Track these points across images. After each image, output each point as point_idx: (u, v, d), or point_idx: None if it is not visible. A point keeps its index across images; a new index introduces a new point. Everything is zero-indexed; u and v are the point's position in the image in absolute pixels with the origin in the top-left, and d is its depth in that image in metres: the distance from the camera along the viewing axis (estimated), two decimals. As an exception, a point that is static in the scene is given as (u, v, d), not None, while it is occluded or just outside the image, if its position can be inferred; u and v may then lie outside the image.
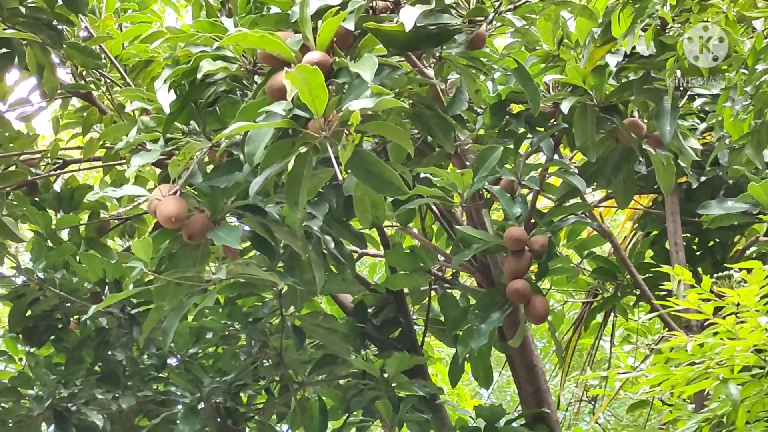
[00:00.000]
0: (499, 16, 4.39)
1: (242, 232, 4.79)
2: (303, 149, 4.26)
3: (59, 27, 6.46)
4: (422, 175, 5.30)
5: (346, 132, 3.95)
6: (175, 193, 4.71)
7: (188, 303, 5.10)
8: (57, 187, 7.62)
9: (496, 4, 4.37)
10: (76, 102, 8.04)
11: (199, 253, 4.98)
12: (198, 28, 4.81)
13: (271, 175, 4.24)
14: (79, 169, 7.54)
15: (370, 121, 4.24)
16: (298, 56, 4.25)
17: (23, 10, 5.93)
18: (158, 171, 6.10)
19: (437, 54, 4.93)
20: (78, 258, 6.85)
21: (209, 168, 5.00)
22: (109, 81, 7.42)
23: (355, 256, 6.62)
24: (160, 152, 4.87)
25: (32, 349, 7.11)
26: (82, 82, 7.34)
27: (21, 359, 7.45)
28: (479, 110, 5.48)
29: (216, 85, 4.96)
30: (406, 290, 7.18)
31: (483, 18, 4.36)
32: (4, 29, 5.16)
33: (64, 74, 7.30)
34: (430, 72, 4.96)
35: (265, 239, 4.98)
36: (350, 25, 4.28)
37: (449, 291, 6.97)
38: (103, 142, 7.05)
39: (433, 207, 6.64)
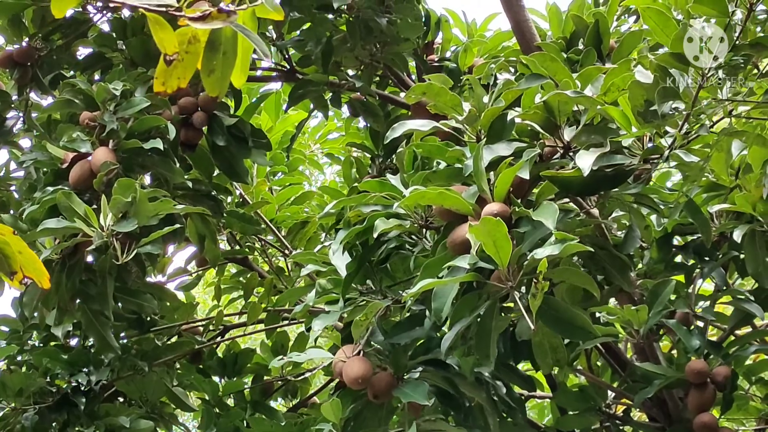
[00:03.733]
0: (674, 154, 4.38)
1: (428, 387, 4.78)
2: (489, 302, 4.25)
3: (218, 197, 6.60)
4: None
5: (535, 281, 3.94)
6: (359, 353, 4.73)
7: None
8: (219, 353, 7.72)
9: (670, 140, 4.35)
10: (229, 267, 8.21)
11: (384, 412, 4.97)
12: (367, 187, 4.87)
13: (461, 329, 4.24)
14: (244, 334, 7.65)
15: (553, 267, 4.23)
16: (476, 209, 4.28)
17: (186, 180, 6.07)
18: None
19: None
20: (246, 422, 6.90)
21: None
22: (265, 245, 7.57)
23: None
24: (339, 314, 4.90)
25: None
26: (238, 247, 7.49)
27: None
28: (643, 245, 5.46)
29: (387, 243, 5.00)
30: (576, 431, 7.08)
31: (658, 156, 4.36)
32: (174, 205, 5.26)
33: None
34: (595, 211, 4.96)
35: (450, 393, 4.96)
36: (525, 175, 4.30)
37: (622, 429, 6.84)
38: (266, 306, 7.17)
39: (597, 344, 6.57)
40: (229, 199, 7.51)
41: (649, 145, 4.41)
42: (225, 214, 6.64)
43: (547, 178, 4.34)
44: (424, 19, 6.79)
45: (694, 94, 4.22)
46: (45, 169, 5.77)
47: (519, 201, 4.34)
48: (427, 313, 4.58)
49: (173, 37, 2.56)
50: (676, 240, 5.57)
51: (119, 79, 5.80)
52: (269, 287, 7.23)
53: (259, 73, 7.26)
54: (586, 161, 4.22)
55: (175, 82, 2.64)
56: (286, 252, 7.67)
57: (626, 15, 7.44)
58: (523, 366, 5.95)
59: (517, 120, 4.58)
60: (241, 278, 7.94)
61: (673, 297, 5.41)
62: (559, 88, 4.41)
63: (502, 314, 4.43)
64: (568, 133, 4.54)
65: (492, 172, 4.39)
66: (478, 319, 4.29)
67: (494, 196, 4.31)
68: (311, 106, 7.18)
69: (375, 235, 4.65)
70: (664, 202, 5.30)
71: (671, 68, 4.21)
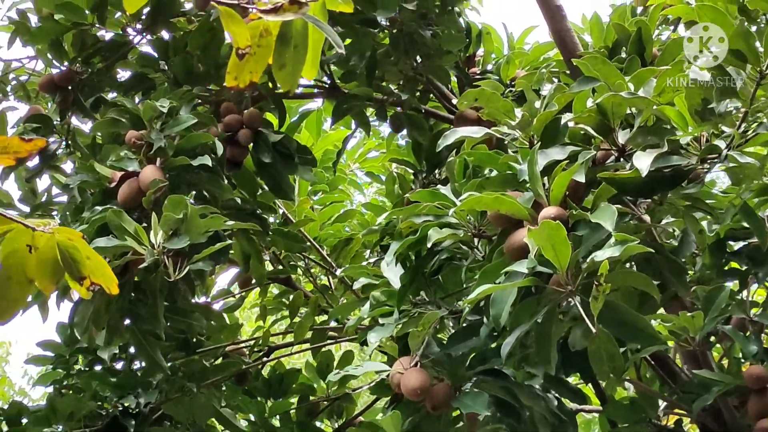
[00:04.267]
0: (730, 155, 4.32)
1: (487, 397, 4.74)
2: (548, 306, 4.20)
3: (262, 215, 6.58)
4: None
5: (596, 283, 3.89)
6: (416, 364, 4.70)
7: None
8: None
9: (728, 140, 4.30)
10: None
11: (442, 423, 4.93)
12: (418, 198, 4.84)
13: (520, 335, 4.19)
14: (290, 353, 7.61)
15: (616, 269, 4.18)
16: (532, 214, 4.24)
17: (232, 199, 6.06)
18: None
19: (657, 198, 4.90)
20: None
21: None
22: (308, 264, 7.54)
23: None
24: (394, 326, 4.87)
25: None
26: (281, 267, 7.47)
27: None
28: (695, 251, 5.41)
29: (439, 254, 4.97)
30: (626, 444, 7.00)
31: (716, 156, 4.31)
32: (225, 221, 5.24)
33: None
34: (647, 217, 4.91)
35: (508, 402, 4.91)
36: (581, 178, 4.27)
37: (675, 440, 6.76)
38: (312, 325, 7.13)
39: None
40: (272, 219, 7.49)
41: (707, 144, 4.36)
42: (270, 233, 6.61)
43: (604, 180, 4.29)
44: (465, 32, 6.77)
45: (751, 93, 4.18)
46: (92, 190, 5.76)
47: (575, 205, 4.30)
48: (484, 321, 4.54)
49: (245, 31, 2.55)
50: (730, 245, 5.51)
51: (164, 97, 5.80)
52: (314, 306, 7.19)
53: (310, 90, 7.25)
54: (644, 162, 4.18)
55: (248, 76, 2.63)
56: (330, 270, 7.64)
57: (666, 23, 7.41)
58: (573, 380, 5.89)
59: (570, 124, 4.55)
60: (284, 299, 7.91)
61: (735, 305, 5.36)
62: (612, 90, 4.38)
63: (560, 319, 4.39)
64: (622, 136, 4.50)
65: (546, 177, 4.36)
66: (538, 325, 4.23)
67: (550, 200, 4.27)
68: (353, 123, 7.16)
69: (428, 245, 4.63)
70: (716, 208, 5.26)
71: (728, 66, 4.16)
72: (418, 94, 7.10)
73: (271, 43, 2.61)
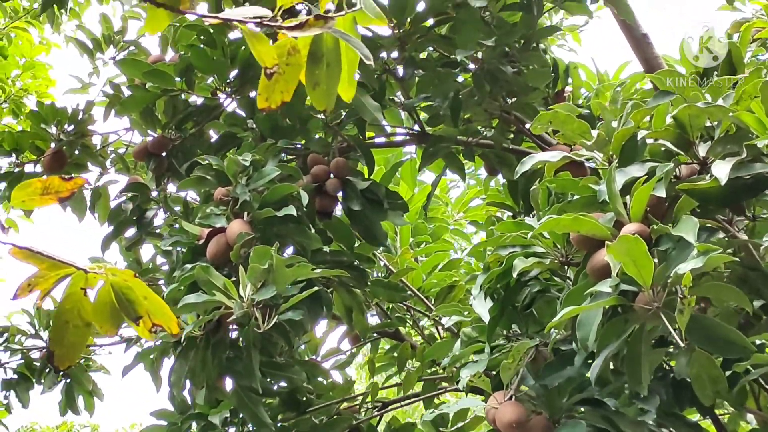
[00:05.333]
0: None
1: (585, 427, 4.61)
2: (636, 325, 4.09)
3: (361, 266, 6.56)
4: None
5: (681, 296, 3.77)
6: (510, 398, 4.60)
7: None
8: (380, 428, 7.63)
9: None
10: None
11: (543, 457, 4.80)
12: (503, 229, 4.77)
13: (609, 356, 4.08)
14: (401, 406, 7.54)
15: (702, 283, 4.06)
16: (614, 233, 4.14)
17: (327, 252, 6.04)
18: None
19: (751, 215, 4.76)
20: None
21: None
22: (414, 315, 7.49)
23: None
24: (486, 361, 4.79)
25: None
26: (388, 321, 7.44)
27: None
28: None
29: (530, 286, 4.88)
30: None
31: (800, 160, 4.17)
32: (313, 269, 5.23)
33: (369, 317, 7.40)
34: (743, 235, 4.76)
35: (609, 432, 4.77)
36: (661, 192, 4.16)
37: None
38: (421, 375, 7.07)
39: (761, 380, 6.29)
40: (375, 273, 7.47)
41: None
42: (369, 284, 6.57)
43: (684, 192, 4.18)
44: (552, 68, 6.71)
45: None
46: (183, 249, 5.82)
47: (658, 222, 4.20)
48: (575, 347, 4.43)
49: (271, 50, 2.53)
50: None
51: (249, 152, 5.85)
52: (421, 357, 7.13)
53: (397, 138, 7.25)
54: (722, 170, 4.06)
55: (279, 96, 2.61)
56: (436, 319, 7.58)
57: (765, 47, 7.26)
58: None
59: (649, 141, 4.45)
60: (394, 353, 7.87)
61: None
62: (688, 102, 4.28)
63: (652, 344, 4.26)
64: (703, 149, 4.38)
65: (628, 197, 4.26)
66: (626, 345, 4.12)
67: (631, 217, 4.17)
68: (446, 168, 7.11)
69: (515, 275, 4.55)
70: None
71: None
72: (511, 136, 7.05)
73: (300, 61, 2.59)
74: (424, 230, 8.02)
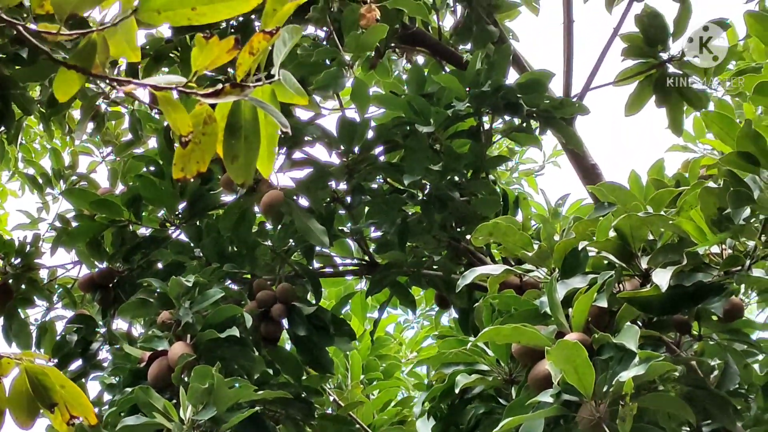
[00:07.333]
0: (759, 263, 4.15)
1: None
2: (579, 437, 3.99)
3: (309, 399, 6.42)
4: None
5: (622, 403, 3.69)
6: None
7: None
8: None
9: (750, 251, 4.13)
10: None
11: None
12: (446, 347, 4.69)
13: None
14: None
15: (645, 394, 3.99)
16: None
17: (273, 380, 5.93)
18: None
19: (697, 334, 4.71)
20: None
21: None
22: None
23: None
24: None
25: None
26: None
27: None
28: (742, 391, 5.16)
29: (475, 407, 4.78)
30: None
31: (740, 267, 4.13)
32: (255, 391, 5.11)
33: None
34: (684, 354, 4.71)
35: None
36: (603, 303, 4.12)
37: None
38: None
39: None
40: (328, 410, 7.33)
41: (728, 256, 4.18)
42: (317, 417, 6.42)
43: (625, 300, 4.13)
44: (501, 198, 6.69)
45: (770, 198, 4.02)
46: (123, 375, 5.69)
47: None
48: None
49: (186, 117, 2.48)
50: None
51: (193, 274, 5.78)
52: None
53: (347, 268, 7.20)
54: (663, 277, 4.02)
55: (195, 167, 2.56)
56: (388, 457, 7.42)
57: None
58: None
59: (592, 253, 4.41)
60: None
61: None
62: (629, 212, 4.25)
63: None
64: (645, 261, 4.35)
65: (570, 308, 4.20)
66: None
67: (572, 327, 4.11)
68: (392, 296, 7.00)
69: (457, 391, 4.45)
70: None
71: (740, 171, 4.02)
72: (462, 268, 6.99)
73: (216, 131, 2.55)
74: (376, 367, 7.91)
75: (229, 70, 5.43)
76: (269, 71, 2.67)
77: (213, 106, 2.55)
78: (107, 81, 2.46)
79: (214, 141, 2.57)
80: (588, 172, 6.73)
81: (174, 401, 5.18)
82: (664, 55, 6.92)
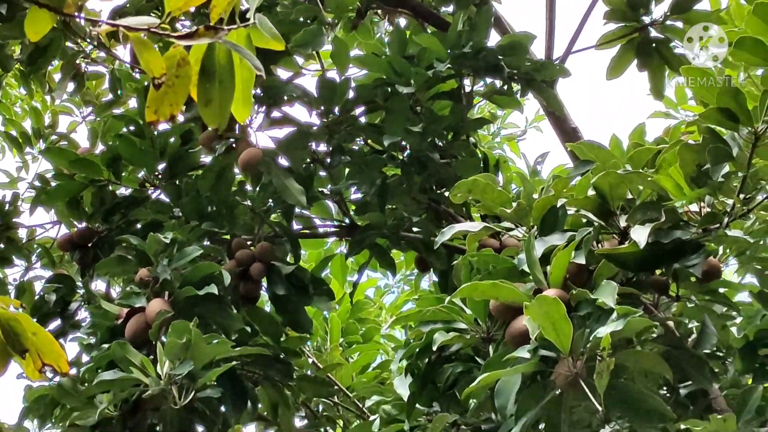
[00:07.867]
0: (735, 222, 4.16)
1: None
2: (555, 392, 3.98)
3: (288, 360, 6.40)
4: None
5: (599, 358, 3.68)
6: (429, 476, 4.47)
7: None
8: None
9: (729, 209, 4.13)
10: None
11: None
12: (424, 305, 4.67)
13: (528, 423, 3.95)
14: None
15: (620, 349, 3.98)
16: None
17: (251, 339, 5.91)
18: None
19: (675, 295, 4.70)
20: None
21: None
22: (344, 414, 7.34)
23: None
24: (408, 438, 4.66)
25: None
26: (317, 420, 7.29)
27: None
28: (720, 354, 5.18)
29: (452, 366, 4.77)
30: None
31: (718, 225, 4.13)
32: (232, 346, 5.09)
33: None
34: (662, 315, 4.70)
35: None
36: (581, 259, 4.11)
37: None
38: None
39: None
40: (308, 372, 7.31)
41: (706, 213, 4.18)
42: (295, 378, 6.41)
43: (603, 257, 4.12)
44: (482, 162, 6.67)
45: (747, 156, 4.01)
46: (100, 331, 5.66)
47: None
48: (494, 418, 4.31)
49: (159, 59, 2.45)
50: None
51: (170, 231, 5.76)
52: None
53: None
54: (641, 234, 4.02)
55: (168, 110, 2.53)
56: (364, 417, 7.41)
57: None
58: None
59: (571, 211, 4.40)
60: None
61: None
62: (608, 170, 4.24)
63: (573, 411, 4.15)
64: (623, 220, 4.34)
65: (548, 266, 4.19)
66: (544, 412, 4.00)
67: (550, 284, 4.10)
68: (371, 258, 6.97)
69: (435, 348, 4.44)
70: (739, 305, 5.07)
71: (720, 128, 4.01)
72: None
73: (189, 73, 2.52)
74: (355, 330, 7.91)
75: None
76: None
77: (187, 48, 2.52)
78: (80, 18, 2.43)
79: (187, 84, 2.54)
80: (569, 135, 6.73)
81: (151, 357, 5.17)
82: (647, 19, 6.93)
